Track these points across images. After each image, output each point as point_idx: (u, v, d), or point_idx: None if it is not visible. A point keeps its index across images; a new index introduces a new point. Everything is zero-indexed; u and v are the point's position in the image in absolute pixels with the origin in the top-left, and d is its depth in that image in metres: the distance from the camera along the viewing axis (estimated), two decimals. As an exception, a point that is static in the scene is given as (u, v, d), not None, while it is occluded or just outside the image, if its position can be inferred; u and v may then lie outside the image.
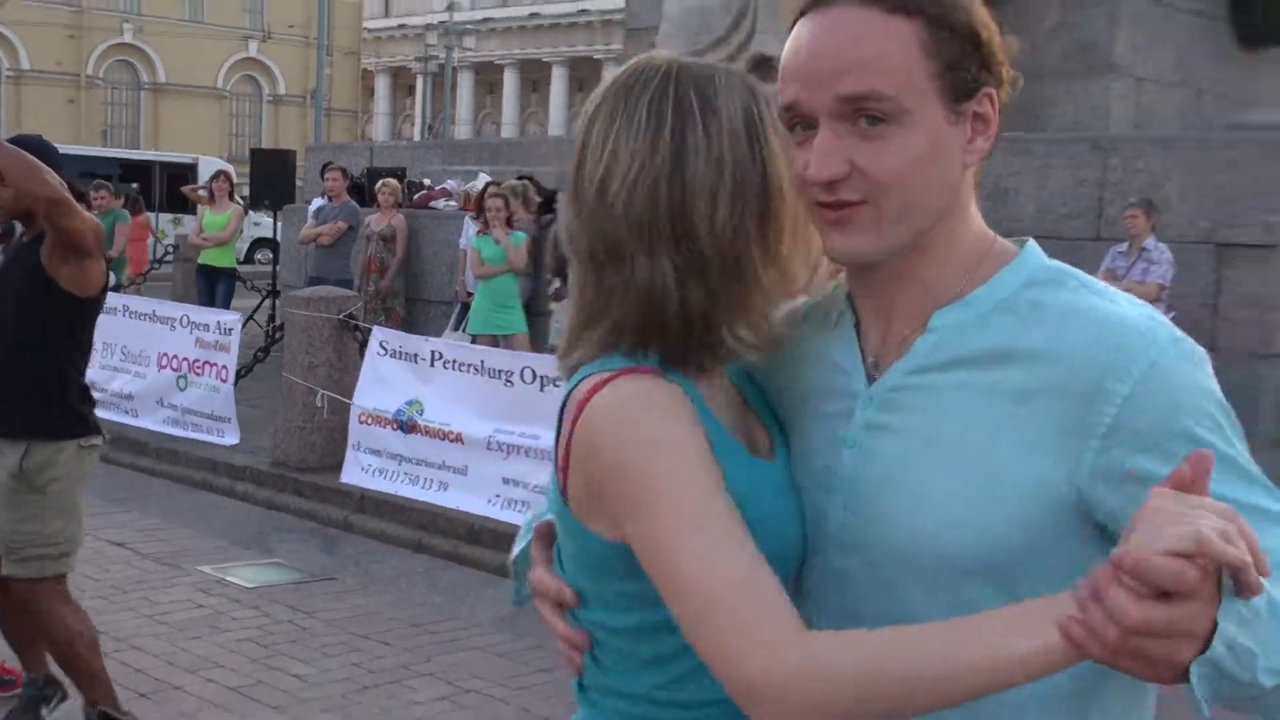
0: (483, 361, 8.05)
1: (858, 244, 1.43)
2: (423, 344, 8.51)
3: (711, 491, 1.36)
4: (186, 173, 27.74)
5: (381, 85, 70.00)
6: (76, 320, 4.59)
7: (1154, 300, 8.87)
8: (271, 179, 14.18)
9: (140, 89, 53.39)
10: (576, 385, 1.45)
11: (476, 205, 11.71)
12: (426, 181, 13.50)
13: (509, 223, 10.58)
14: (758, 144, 1.43)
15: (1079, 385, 1.37)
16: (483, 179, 13.06)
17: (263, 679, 5.27)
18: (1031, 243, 1.51)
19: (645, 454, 1.37)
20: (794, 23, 1.47)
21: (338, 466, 8.23)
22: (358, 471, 8.16)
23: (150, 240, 18.07)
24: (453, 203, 13.05)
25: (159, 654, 5.43)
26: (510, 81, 66.02)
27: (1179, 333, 1.40)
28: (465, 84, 64.73)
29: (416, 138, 60.19)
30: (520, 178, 12.17)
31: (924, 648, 1.25)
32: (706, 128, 1.41)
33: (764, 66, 13.12)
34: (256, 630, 5.87)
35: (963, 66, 1.41)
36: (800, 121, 1.43)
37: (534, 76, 65.74)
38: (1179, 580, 1.07)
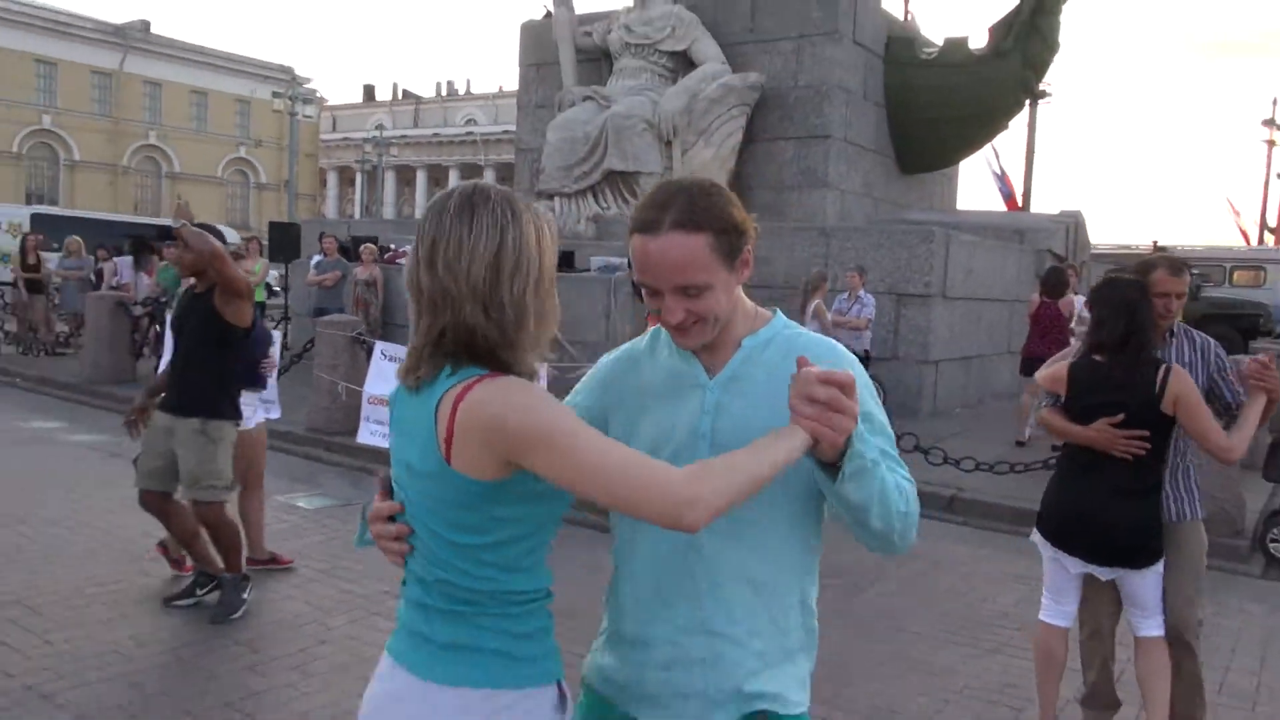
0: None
1: (696, 340, 1.64)
2: (400, 349, 8.46)
3: (577, 419, 1.44)
4: (205, 236, 26.24)
5: (331, 178, 67.59)
6: (237, 343, 4.55)
7: (864, 329, 9.25)
8: (283, 242, 13.78)
9: (161, 176, 50.56)
10: (445, 393, 1.45)
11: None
12: (393, 245, 13.38)
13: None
14: (540, 246, 1.50)
15: None
16: (431, 245, 13.01)
17: (337, 565, 5.29)
18: (779, 310, 1.76)
19: (531, 413, 1.41)
20: (632, 233, 1.60)
21: (353, 432, 8.20)
22: (369, 435, 8.11)
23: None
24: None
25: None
26: (421, 179, 64.65)
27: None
28: (389, 180, 63.11)
29: (357, 216, 58.45)
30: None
31: (755, 457, 1.42)
32: (515, 235, 1.47)
33: (612, 177, 13.49)
34: (323, 536, 5.86)
35: (735, 247, 1.58)
36: (653, 290, 1.59)
37: (437, 176, 64.55)
38: (844, 376, 1.41)
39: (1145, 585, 3.38)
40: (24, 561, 5.06)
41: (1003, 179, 24.35)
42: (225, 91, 52.25)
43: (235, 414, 4.59)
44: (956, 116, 13.83)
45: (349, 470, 7.82)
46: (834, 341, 1.72)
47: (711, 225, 1.55)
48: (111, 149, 48.16)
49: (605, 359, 1.83)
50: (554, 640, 1.59)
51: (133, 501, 4.64)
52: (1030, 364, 9.02)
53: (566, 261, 11.53)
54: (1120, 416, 3.25)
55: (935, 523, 7.02)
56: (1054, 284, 8.96)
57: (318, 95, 51.39)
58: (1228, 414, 3.36)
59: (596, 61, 14.77)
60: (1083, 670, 3.67)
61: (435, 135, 63.67)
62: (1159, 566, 3.38)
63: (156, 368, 11.12)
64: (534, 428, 1.39)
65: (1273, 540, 6.31)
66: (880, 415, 1.67)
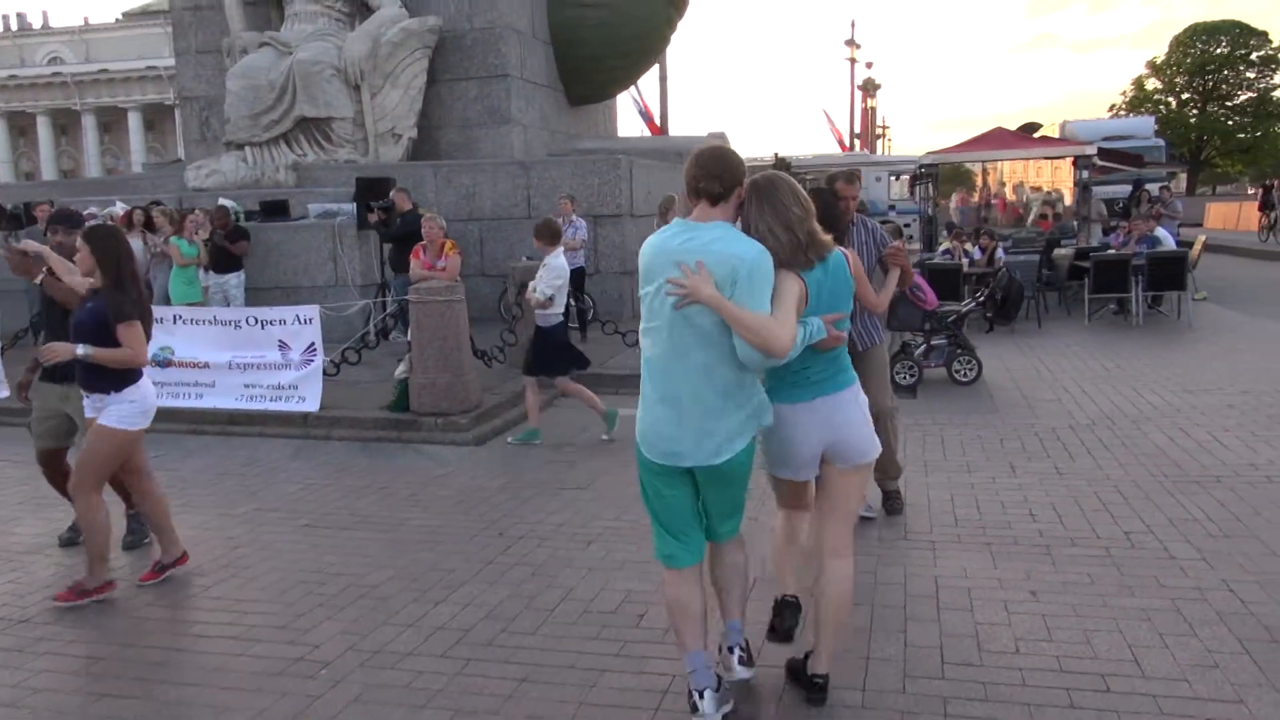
0: (215, 317, 8.37)
1: None
2: (166, 310, 8.46)
3: None
4: None
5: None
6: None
7: (578, 249, 10.55)
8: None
9: None
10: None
11: (132, 219, 11.34)
12: (74, 209, 12.60)
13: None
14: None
15: None
16: (120, 205, 12.48)
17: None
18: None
19: None
20: None
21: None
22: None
23: None
24: (97, 222, 12.26)
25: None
26: (0, 128, 56.03)
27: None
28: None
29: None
30: (155, 202, 11.94)
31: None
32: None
33: (305, 123, 13.72)
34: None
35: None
36: None
37: (22, 125, 55.87)
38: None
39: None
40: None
41: (641, 105, 26.86)
42: None
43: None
44: (616, 52, 15.48)
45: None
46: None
47: None
48: None
49: None
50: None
51: None
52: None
53: (281, 210, 11.87)
54: None
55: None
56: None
57: None
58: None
59: (258, 5, 14.67)
60: None
61: (13, 78, 55.43)
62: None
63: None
64: None
65: (896, 373, 8.82)
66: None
